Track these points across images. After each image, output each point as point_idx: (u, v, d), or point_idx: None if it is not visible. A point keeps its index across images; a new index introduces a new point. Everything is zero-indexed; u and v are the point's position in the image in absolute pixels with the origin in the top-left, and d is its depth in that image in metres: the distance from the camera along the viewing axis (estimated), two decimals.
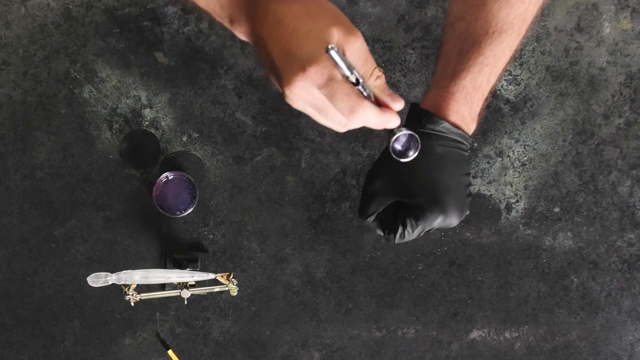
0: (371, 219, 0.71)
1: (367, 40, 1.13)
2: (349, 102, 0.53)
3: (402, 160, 0.63)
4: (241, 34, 0.58)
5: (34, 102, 1.09)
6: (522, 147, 1.11)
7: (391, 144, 0.63)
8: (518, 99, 1.11)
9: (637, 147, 1.11)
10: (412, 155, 0.64)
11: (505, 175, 1.12)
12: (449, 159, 0.68)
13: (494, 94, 1.10)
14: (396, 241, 0.70)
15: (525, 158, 1.12)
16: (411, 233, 0.69)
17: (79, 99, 1.09)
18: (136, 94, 1.09)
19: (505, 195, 1.12)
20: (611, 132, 1.11)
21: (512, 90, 1.11)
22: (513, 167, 1.12)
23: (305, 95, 0.53)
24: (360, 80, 0.53)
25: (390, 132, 0.62)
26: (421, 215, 0.68)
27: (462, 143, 0.68)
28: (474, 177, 1.11)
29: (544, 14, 1.09)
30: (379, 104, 0.57)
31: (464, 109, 0.67)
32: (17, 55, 1.08)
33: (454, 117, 0.67)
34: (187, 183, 1.09)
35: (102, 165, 1.10)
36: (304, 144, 1.10)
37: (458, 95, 0.67)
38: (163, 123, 1.10)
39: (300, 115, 1.11)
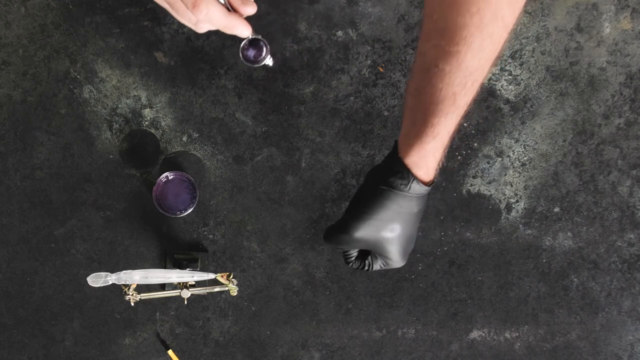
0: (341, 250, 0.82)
1: (367, 40, 1.14)
2: None
3: (256, 65, 0.67)
4: None
5: (34, 102, 1.09)
6: (522, 147, 1.11)
7: (240, 50, 0.66)
8: (518, 99, 1.11)
9: (637, 147, 1.11)
10: (266, 60, 0.68)
11: (505, 175, 1.12)
12: (418, 214, 0.76)
13: (494, 94, 1.10)
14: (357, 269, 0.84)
15: (525, 158, 1.12)
16: (372, 270, 0.80)
17: (79, 99, 1.09)
18: (136, 94, 1.09)
19: (505, 195, 1.12)
20: (611, 132, 1.11)
21: (512, 90, 1.10)
22: (513, 167, 1.12)
23: None
24: None
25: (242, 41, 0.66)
26: (388, 266, 0.79)
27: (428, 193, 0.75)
28: (474, 177, 1.11)
29: (544, 14, 1.09)
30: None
31: (431, 163, 0.72)
32: (17, 55, 1.08)
33: (423, 175, 0.72)
34: (187, 183, 1.09)
35: (102, 165, 1.10)
36: (304, 144, 1.10)
37: (428, 156, 0.71)
38: (163, 123, 1.10)
39: (300, 115, 1.11)
